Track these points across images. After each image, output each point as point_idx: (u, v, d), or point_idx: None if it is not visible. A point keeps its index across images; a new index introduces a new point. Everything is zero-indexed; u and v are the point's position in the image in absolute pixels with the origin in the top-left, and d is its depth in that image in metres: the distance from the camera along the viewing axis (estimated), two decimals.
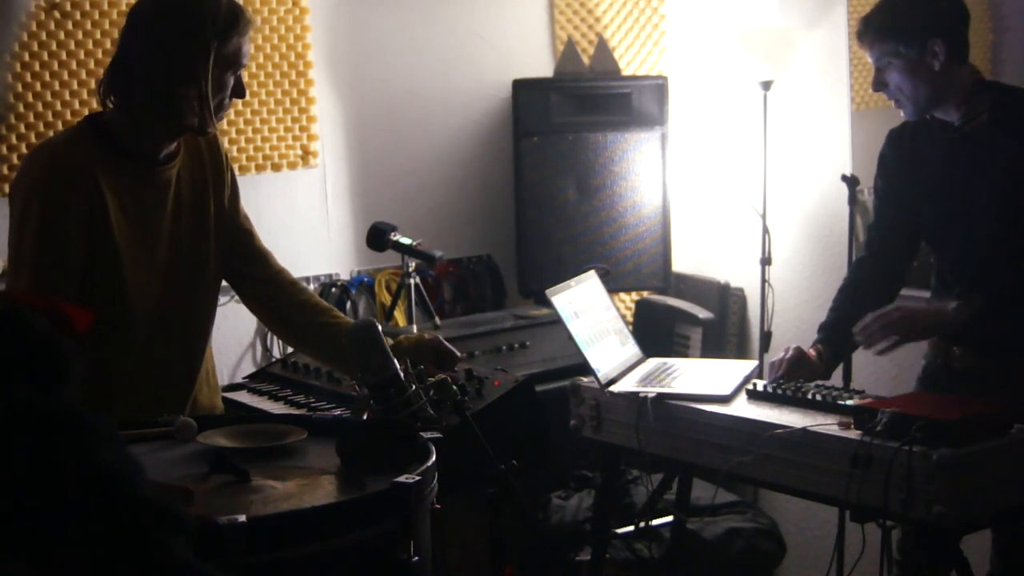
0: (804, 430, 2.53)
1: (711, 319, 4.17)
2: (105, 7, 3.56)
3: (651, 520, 3.42)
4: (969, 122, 2.81)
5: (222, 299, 2.68)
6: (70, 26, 3.51)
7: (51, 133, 3.42)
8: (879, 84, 2.86)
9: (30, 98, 3.46)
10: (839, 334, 2.97)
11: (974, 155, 2.82)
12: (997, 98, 2.81)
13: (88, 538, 1.03)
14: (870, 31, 2.84)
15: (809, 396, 2.70)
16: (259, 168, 3.88)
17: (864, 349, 2.87)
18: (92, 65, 3.52)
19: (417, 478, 1.86)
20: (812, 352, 2.97)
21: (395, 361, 2.28)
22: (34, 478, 1.02)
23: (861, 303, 2.95)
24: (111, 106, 2.50)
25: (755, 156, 4.05)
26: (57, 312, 1.27)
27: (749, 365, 3.08)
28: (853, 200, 3.50)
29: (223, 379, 3.57)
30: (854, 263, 3.18)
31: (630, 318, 4.36)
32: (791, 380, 2.82)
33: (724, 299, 4.34)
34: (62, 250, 2.40)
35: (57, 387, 1.08)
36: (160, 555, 1.07)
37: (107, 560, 1.04)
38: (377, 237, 3.58)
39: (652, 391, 2.84)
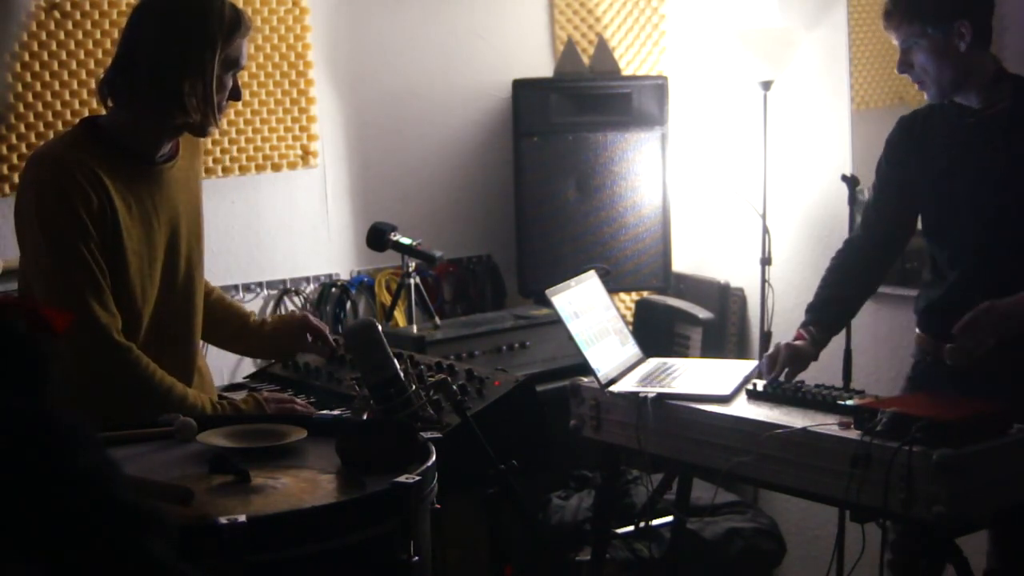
0: (804, 430, 2.53)
1: (711, 319, 4.18)
2: (105, 7, 3.56)
3: (651, 520, 3.42)
4: (990, 107, 2.82)
5: None
6: (70, 26, 3.51)
7: (51, 133, 3.41)
8: (904, 65, 2.85)
9: (30, 98, 3.46)
10: (829, 315, 3.03)
11: (989, 141, 2.81)
12: (1020, 87, 2.81)
13: (65, 541, 1.03)
14: (897, 11, 2.83)
15: (809, 396, 2.70)
16: (259, 168, 3.88)
17: (956, 364, 2.71)
18: (92, 65, 3.52)
19: (417, 478, 1.86)
20: (802, 335, 2.97)
21: (395, 361, 2.28)
22: (10, 481, 1.01)
23: (850, 285, 3.05)
24: (110, 106, 2.50)
25: (755, 156, 4.05)
26: (34, 314, 1.27)
27: (749, 365, 3.08)
28: (853, 200, 3.50)
29: (223, 379, 3.57)
30: (846, 242, 3.15)
31: (630, 318, 4.36)
32: (790, 379, 2.84)
33: (724, 299, 4.34)
34: (92, 256, 2.38)
35: (34, 389, 1.07)
36: (138, 558, 1.06)
37: (84, 563, 1.04)
38: (377, 237, 3.58)
39: (652, 391, 2.84)
